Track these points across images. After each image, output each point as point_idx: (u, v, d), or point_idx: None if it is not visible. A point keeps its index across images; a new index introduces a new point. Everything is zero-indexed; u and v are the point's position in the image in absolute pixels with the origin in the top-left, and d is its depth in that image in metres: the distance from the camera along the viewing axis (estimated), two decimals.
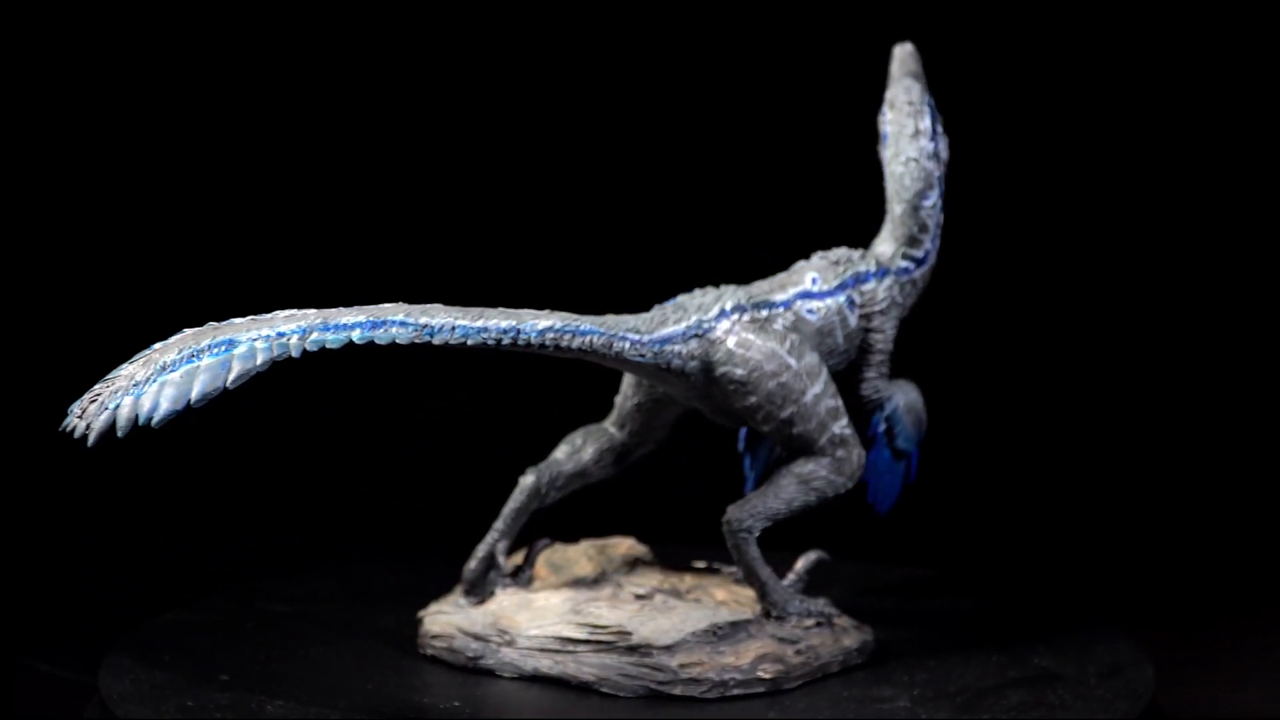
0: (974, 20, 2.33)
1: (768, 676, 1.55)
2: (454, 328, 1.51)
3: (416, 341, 1.50)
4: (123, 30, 2.33)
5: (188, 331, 1.50)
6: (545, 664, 1.58)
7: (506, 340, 1.52)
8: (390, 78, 2.41)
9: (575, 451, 1.69)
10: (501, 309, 1.54)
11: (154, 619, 1.75)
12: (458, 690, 1.58)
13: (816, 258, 1.66)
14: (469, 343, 1.51)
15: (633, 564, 1.71)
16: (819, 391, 1.60)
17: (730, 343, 1.59)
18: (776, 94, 2.41)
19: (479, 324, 1.52)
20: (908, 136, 1.69)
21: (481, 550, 1.68)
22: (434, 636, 1.65)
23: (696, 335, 1.59)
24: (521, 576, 1.69)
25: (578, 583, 1.67)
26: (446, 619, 1.65)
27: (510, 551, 1.69)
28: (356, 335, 1.48)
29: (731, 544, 1.60)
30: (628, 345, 1.56)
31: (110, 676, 1.59)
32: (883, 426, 1.70)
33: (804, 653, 1.57)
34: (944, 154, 1.71)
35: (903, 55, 1.75)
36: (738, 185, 2.43)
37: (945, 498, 1.73)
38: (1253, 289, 2.46)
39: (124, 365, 1.49)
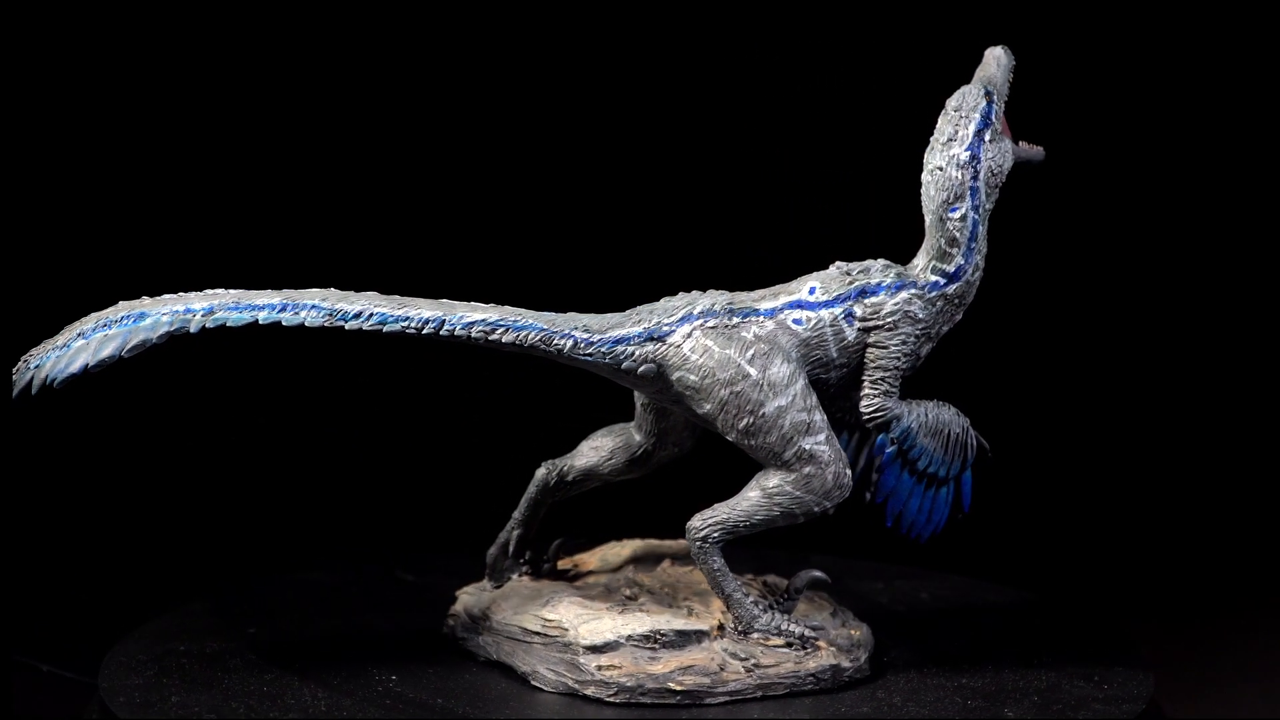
0: (978, 22, 2.33)
1: (679, 688, 1.52)
2: (371, 315, 1.52)
3: (328, 326, 1.51)
4: (107, 27, 2.33)
5: (121, 304, 1.55)
6: (506, 649, 1.60)
7: (429, 330, 1.53)
8: (386, 79, 2.41)
9: (592, 448, 1.68)
10: (441, 300, 1.55)
11: (154, 618, 1.75)
12: (414, 667, 1.62)
13: (834, 267, 1.61)
14: (385, 330, 1.52)
15: (661, 563, 1.70)
16: (783, 404, 1.55)
17: (686, 348, 1.55)
18: (790, 96, 2.41)
19: (400, 312, 1.53)
20: (941, 143, 1.59)
21: (502, 537, 1.70)
22: (450, 615, 1.69)
23: (653, 338, 1.56)
24: (542, 568, 1.70)
25: (595, 576, 1.68)
26: (465, 599, 1.68)
27: (529, 540, 1.71)
28: (263, 316, 1.52)
29: (692, 553, 1.58)
30: (570, 343, 1.55)
31: (110, 676, 1.60)
32: (891, 448, 1.62)
33: (751, 671, 1.54)
34: (992, 163, 1.59)
35: (986, 58, 1.65)
36: (763, 194, 2.42)
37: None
38: (1250, 292, 2.46)
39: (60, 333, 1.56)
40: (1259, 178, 2.44)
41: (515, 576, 1.69)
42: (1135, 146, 2.41)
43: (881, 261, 1.61)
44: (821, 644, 1.57)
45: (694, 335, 1.56)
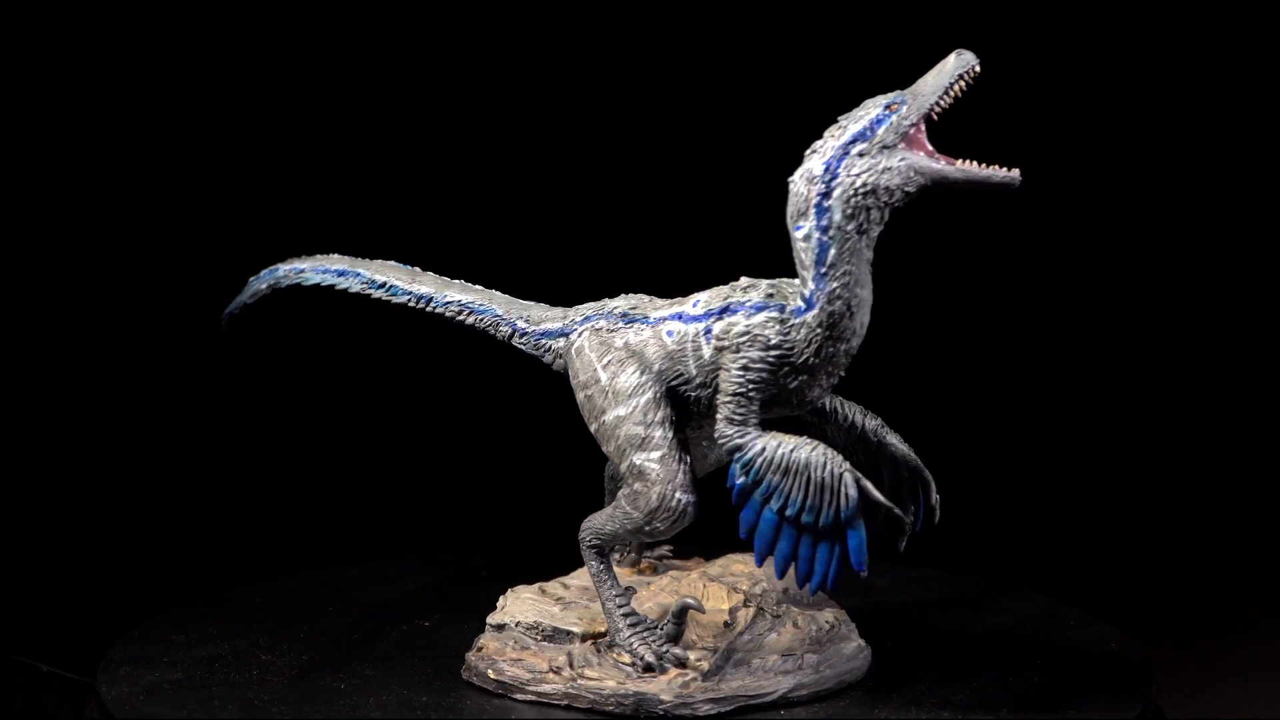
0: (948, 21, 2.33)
1: (496, 678, 1.55)
2: (391, 286, 1.66)
3: (363, 293, 1.66)
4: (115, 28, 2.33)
5: (289, 259, 1.73)
6: None
7: (421, 305, 1.65)
8: (377, 79, 2.41)
9: None
10: (449, 280, 1.66)
11: (154, 618, 1.75)
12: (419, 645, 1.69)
13: (738, 283, 1.53)
14: (394, 301, 1.65)
15: (692, 574, 1.68)
16: (622, 414, 1.51)
17: (573, 348, 1.58)
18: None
19: (410, 287, 1.65)
20: (805, 154, 1.47)
21: None
22: None
23: (562, 335, 1.60)
24: (624, 557, 1.70)
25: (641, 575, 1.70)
26: None
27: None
28: (326, 279, 1.68)
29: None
30: (510, 331, 1.62)
31: (110, 676, 1.60)
32: (741, 479, 1.49)
33: (573, 678, 1.53)
34: (859, 180, 1.43)
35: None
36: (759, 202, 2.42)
37: (946, 493, 1.68)
38: (1250, 288, 2.46)
39: None
40: (1260, 177, 2.44)
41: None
42: (1137, 147, 2.41)
43: (771, 281, 1.51)
44: (672, 672, 1.52)
45: (582, 336, 1.58)
